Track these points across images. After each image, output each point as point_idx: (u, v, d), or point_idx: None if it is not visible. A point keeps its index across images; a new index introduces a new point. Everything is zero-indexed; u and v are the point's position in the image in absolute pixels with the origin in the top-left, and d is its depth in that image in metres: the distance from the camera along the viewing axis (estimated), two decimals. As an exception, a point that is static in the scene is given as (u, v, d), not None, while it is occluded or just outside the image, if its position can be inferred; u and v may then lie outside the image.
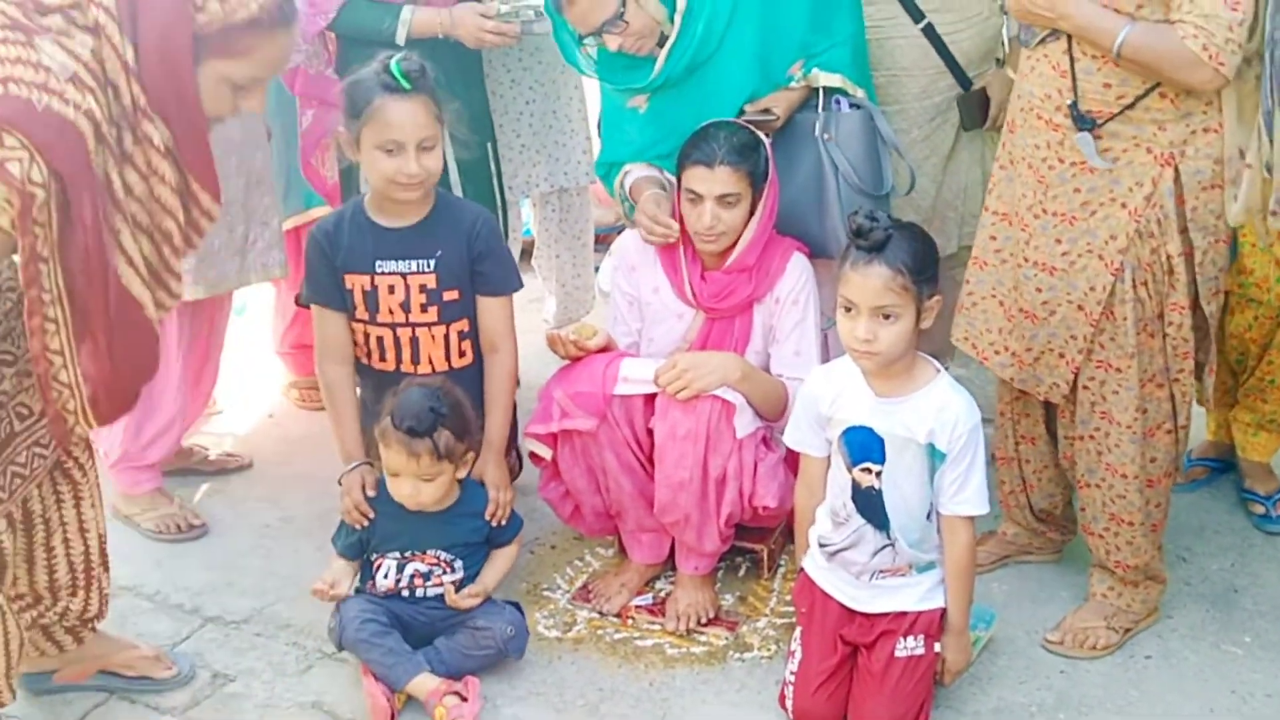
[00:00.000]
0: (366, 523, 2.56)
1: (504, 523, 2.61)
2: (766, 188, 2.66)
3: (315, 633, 2.67)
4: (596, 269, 3.96)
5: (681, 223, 2.69)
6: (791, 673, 2.46)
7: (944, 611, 2.39)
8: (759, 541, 2.86)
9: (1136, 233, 2.42)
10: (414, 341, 2.67)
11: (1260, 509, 3.12)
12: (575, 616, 2.76)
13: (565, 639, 2.69)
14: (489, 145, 3.10)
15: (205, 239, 2.90)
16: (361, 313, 2.66)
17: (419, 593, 2.55)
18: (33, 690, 2.47)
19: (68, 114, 1.83)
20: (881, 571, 2.39)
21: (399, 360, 2.68)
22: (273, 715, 2.50)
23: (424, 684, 2.42)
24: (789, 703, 2.44)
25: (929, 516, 2.37)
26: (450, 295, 2.65)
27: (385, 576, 2.53)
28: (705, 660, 2.63)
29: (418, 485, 2.46)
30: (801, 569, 2.50)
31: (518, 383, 2.92)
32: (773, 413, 2.67)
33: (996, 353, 2.66)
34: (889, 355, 2.24)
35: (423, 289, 2.64)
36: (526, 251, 3.92)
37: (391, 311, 2.65)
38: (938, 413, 2.28)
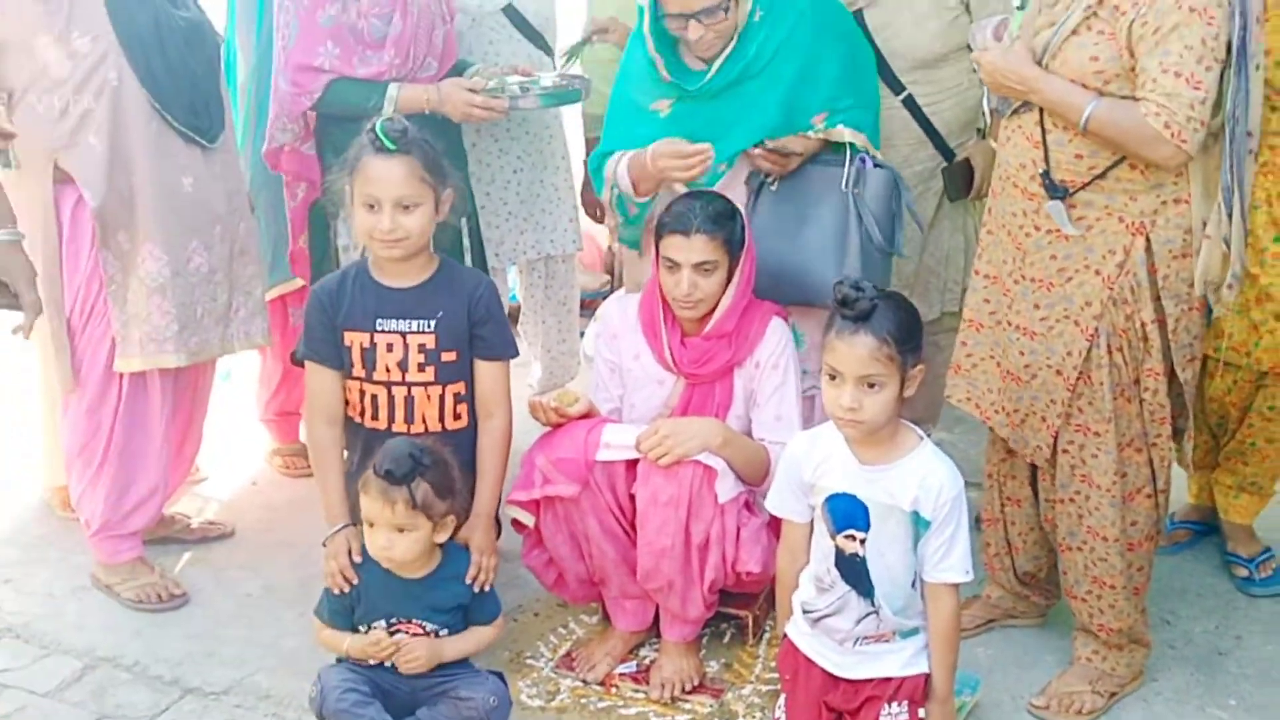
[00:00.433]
0: (349, 588, 2.54)
1: (486, 589, 2.59)
2: (743, 254, 2.69)
3: (296, 703, 2.64)
4: (581, 334, 3.98)
5: (660, 290, 2.72)
6: (776, 740, 2.44)
7: (928, 677, 2.38)
8: (744, 607, 2.85)
9: (1110, 299, 2.46)
10: (409, 401, 2.67)
11: (1243, 571, 3.12)
12: (559, 685, 2.74)
13: (549, 708, 2.66)
14: (463, 220, 3.12)
15: (187, 307, 2.95)
16: (358, 370, 2.67)
17: (402, 662, 2.53)
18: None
19: None
20: (865, 638, 2.38)
21: (392, 419, 2.68)
22: (252, 788, 2.47)
23: (406, 755, 2.39)
24: (774, 771, 2.42)
25: (913, 584, 2.36)
26: (448, 356, 2.66)
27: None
28: (690, 729, 2.61)
29: (391, 537, 2.43)
30: (785, 635, 2.49)
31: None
32: (755, 477, 2.67)
33: (996, 412, 2.68)
34: (873, 424, 2.25)
35: (421, 349, 2.65)
36: (512, 317, 3.93)
37: (389, 370, 2.66)
38: (921, 480, 2.29)
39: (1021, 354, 2.57)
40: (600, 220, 3.90)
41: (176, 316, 2.94)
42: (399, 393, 2.67)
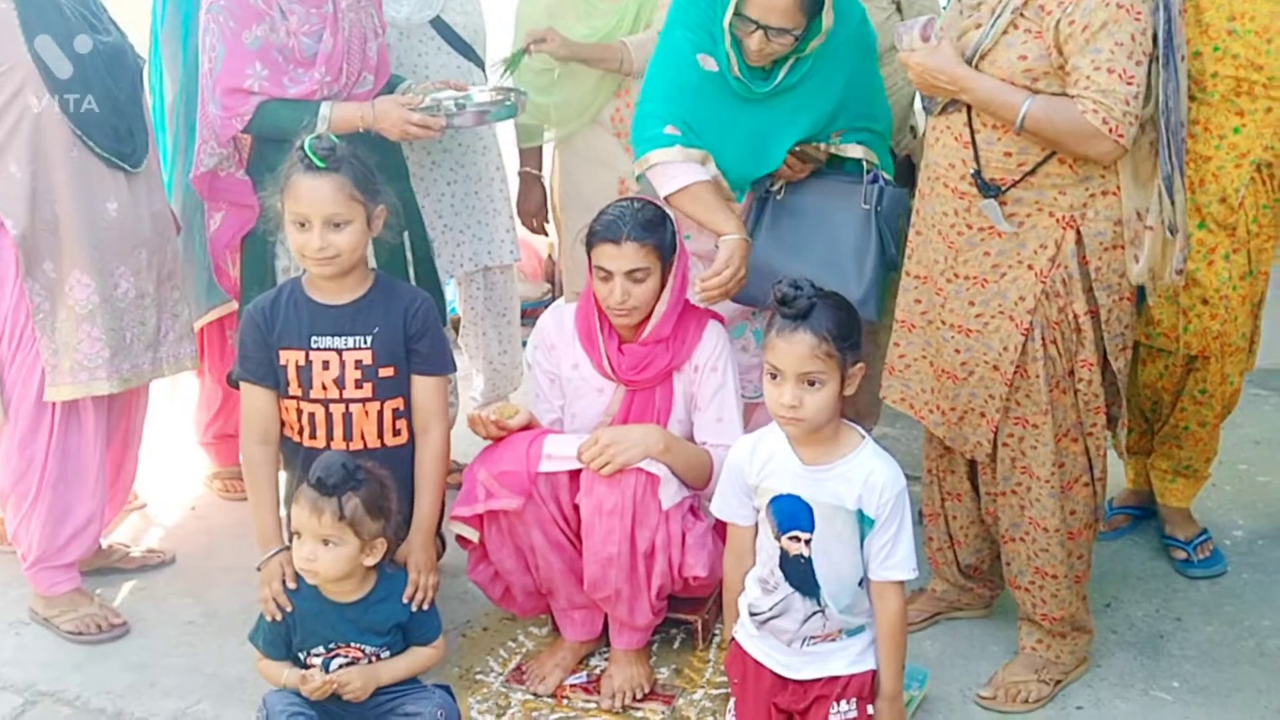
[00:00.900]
0: (281, 616, 2.51)
1: (424, 609, 2.56)
2: (675, 259, 2.69)
3: (242, 731, 2.61)
4: (524, 344, 3.96)
5: (596, 299, 2.71)
6: (728, 744, 2.45)
7: (875, 674, 2.40)
8: (693, 612, 2.85)
9: (1043, 293, 2.48)
10: (347, 418, 2.64)
11: (1182, 554, 3.17)
12: (509, 699, 2.72)
13: (499, 723, 2.66)
14: (405, 235, 3.10)
15: (116, 333, 2.91)
16: (295, 389, 2.64)
17: (345, 685, 2.49)
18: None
19: None
20: (812, 638, 2.39)
21: (330, 437, 2.65)
22: (199, 820, 2.43)
23: (355, 777, 2.37)
24: (727, 774, 2.42)
25: (860, 583, 2.38)
26: (386, 372, 2.64)
27: (317, 673, 2.47)
28: (642, 736, 2.61)
29: (316, 549, 2.39)
30: (733, 638, 2.50)
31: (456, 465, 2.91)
32: (699, 481, 2.67)
33: (931, 412, 2.70)
34: (815, 421, 2.27)
35: (358, 365, 2.62)
36: (454, 329, 3.91)
37: (325, 387, 2.63)
38: (865, 479, 2.30)
39: (957, 351, 2.60)
40: (537, 231, 3.89)
41: (107, 343, 2.91)
42: (336, 410, 2.64)
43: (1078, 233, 2.46)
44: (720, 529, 2.60)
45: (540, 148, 3.66)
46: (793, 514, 2.34)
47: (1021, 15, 2.39)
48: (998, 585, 2.91)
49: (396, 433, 2.68)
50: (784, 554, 2.36)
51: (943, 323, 2.61)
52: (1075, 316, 2.50)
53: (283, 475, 2.74)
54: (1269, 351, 3.22)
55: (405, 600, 2.53)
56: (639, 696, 2.69)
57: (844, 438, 2.35)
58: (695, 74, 2.83)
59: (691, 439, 2.76)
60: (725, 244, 2.72)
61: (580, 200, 3.38)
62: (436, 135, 3.05)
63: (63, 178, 2.83)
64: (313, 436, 2.66)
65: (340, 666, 2.48)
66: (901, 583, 2.36)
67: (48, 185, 2.82)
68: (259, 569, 2.58)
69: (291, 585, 2.52)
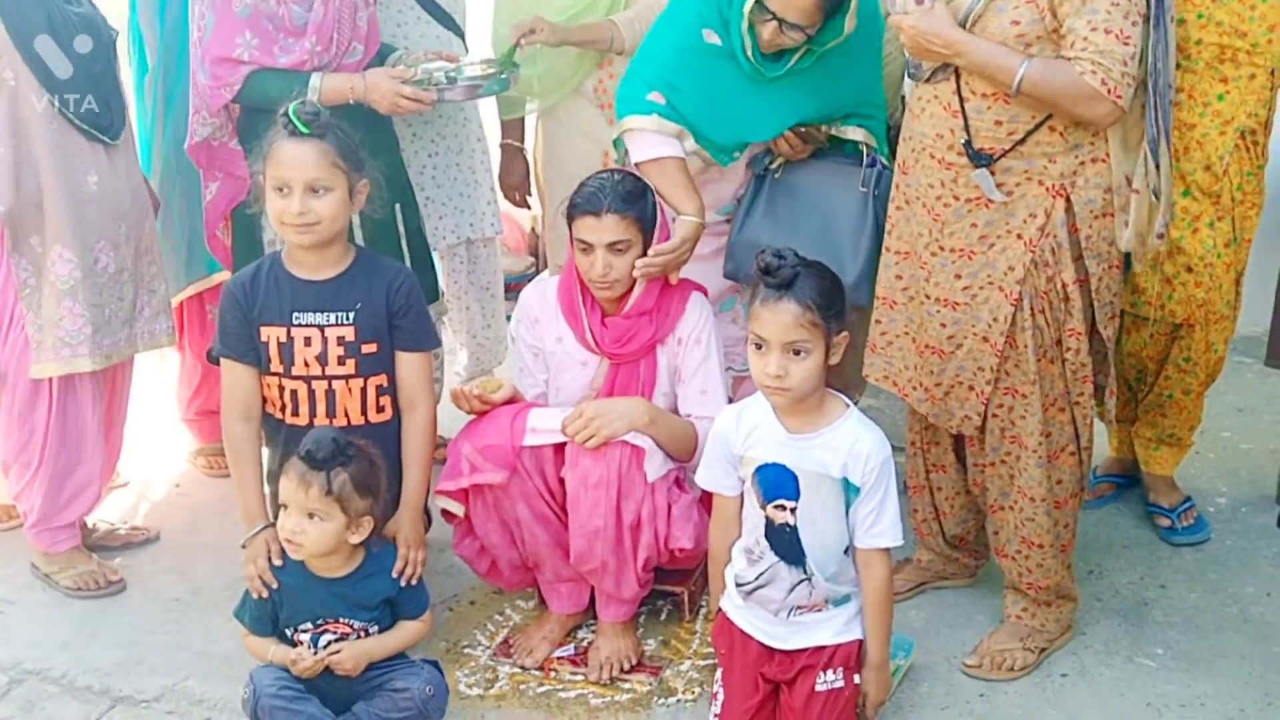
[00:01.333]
0: (267, 593, 2.50)
1: (413, 583, 2.56)
2: (656, 231, 2.68)
3: (229, 707, 2.60)
4: (508, 318, 3.94)
5: (578, 272, 2.70)
6: (715, 715, 2.45)
7: (862, 643, 2.40)
8: (679, 584, 2.85)
9: (1032, 263, 2.48)
10: (330, 395, 2.62)
11: (1166, 522, 3.19)
12: (497, 673, 2.72)
13: (487, 696, 2.65)
14: (397, 205, 3.08)
15: (97, 308, 2.89)
16: (276, 366, 2.62)
17: (334, 658, 2.49)
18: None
19: None
20: (798, 608, 2.39)
21: (313, 414, 2.63)
22: (187, 795, 2.43)
23: (345, 752, 2.37)
24: (714, 745, 2.43)
25: (845, 551, 2.38)
26: (369, 349, 2.62)
27: (307, 651, 2.46)
28: (630, 708, 2.61)
29: (302, 522, 2.39)
30: (720, 609, 2.50)
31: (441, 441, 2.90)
32: (683, 453, 2.67)
33: (914, 389, 2.70)
34: (800, 390, 2.26)
35: (341, 341, 2.60)
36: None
37: (307, 364, 2.61)
38: (850, 447, 2.31)
39: (943, 325, 2.59)
40: (519, 204, 3.87)
41: (89, 319, 2.90)
42: (319, 387, 2.63)
43: (1067, 200, 2.45)
44: (706, 501, 2.60)
45: (522, 119, 3.63)
46: (778, 482, 2.34)
47: None
48: (983, 555, 2.92)
49: (380, 409, 2.67)
50: (769, 523, 2.36)
51: (927, 297, 2.60)
52: (1064, 285, 2.49)
53: (264, 452, 2.72)
54: (1252, 319, 3.23)
55: (394, 575, 2.53)
56: (626, 668, 2.69)
57: (829, 407, 2.35)
58: (696, 44, 2.81)
59: (676, 411, 2.75)
60: (681, 223, 2.71)
61: (563, 172, 3.36)
62: (427, 109, 3.02)
63: (43, 151, 2.81)
64: (295, 414, 2.64)
65: (329, 642, 2.47)
66: (887, 551, 2.37)
67: (30, 159, 2.80)
68: (244, 546, 2.57)
69: (277, 562, 2.51)
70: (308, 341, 2.60)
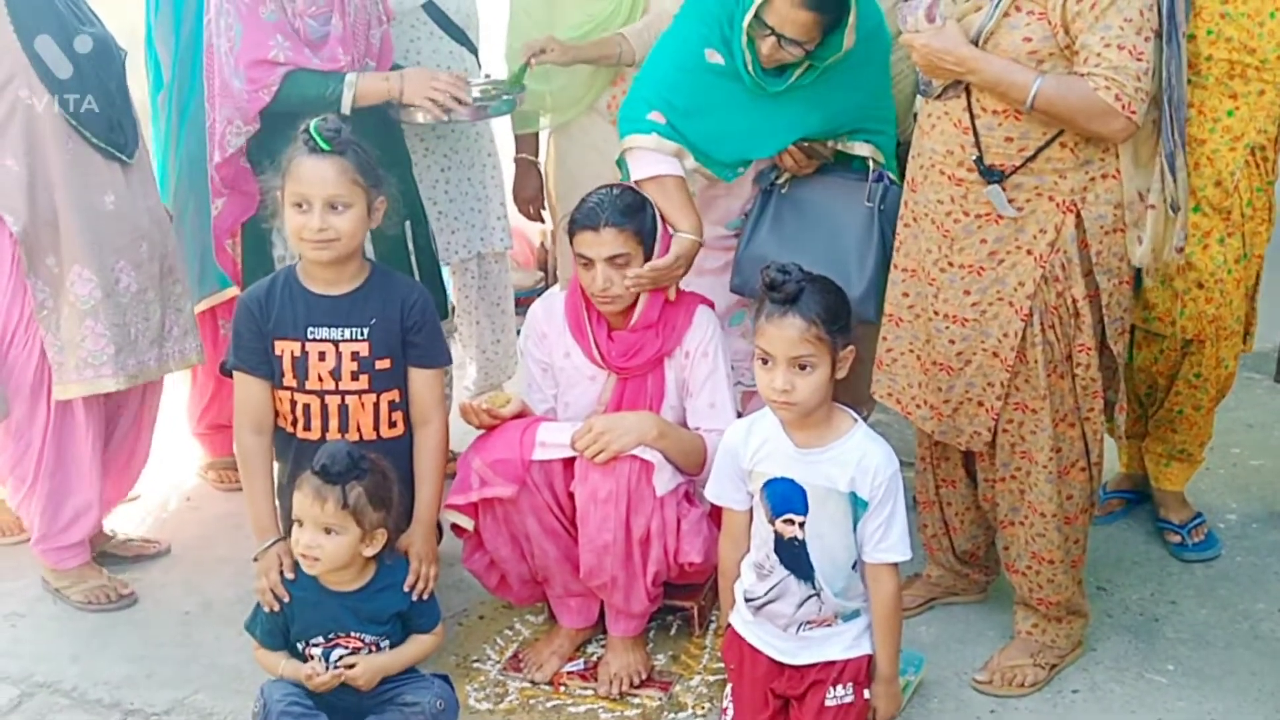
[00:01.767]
0: (279, 607, 2.51)
1: (425, 598, 2.56)
2: (657, 244, 2.69)
3: (239, 721, 2.62)
4: (517, 333, 3.95)
5: (583, 288, 2.71)
6: (725, 730, 2.45)
7: (871, 658, 2.40)
8: (689, 599, 2.85)
9: (1042, 278, 2.48)
10: (343, 410, 2.63)
11: (1176, 538, 3.18)
12: (507, 687, 2.72)
13: (497, 711, 2.65)
14: (407, 223, 3.09)
15: (120, 328, 2.91)
16: (289, 380, 2.63)
17: (345, 673, 2.50)
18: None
19: None
20: (808, 623, 2.39)
21: (325, 429, 2.64)
22: (197, 809, 2.44)
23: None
24: (723, 760, 2.43)
25: (854, 566, 2.38)
26: (383, 364, 2.63)
27: (320, 665, 2.46)
28: (639, 723, 2.61)
29: (318, 537, 2.39)
30: (729, 624, 2.50)
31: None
32: (693, 467, 2.68)
33: (918, 406, 2.70)
34: (807, 405, 2.27)
35: (355, 357, 2.61)
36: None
37: (321, 379, 2.62)
38: (858, 462, 2.31)
39: (952, 342, 2.59)
40: (534, 218, 3.88)
41: (112, 339, 2.91)
42: (332, 402, 2.64)
43: (1078, 216, 2.45)
44: (715, 515, 2.60)
45: (536, 134, 3.65)
46: (786, 497, 2.35)
47: None
48: (993, 570, 2.92)
49: (392, 424, 2.68)
50: (778, 537, 2.36)
51: (935, 314, 2.60)
52: (1074, 301, 2.50)
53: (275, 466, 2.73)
54: (1262, 335, 3.22)
55: (406, 589, 2.53)
56: (636, 683, 2.69)
57: (837, 421, 2.35)
58: (698, 63, 2.82)
59: (684, 425, 2.76)
60: (678, 240, 2.71)
61: (575, 188, 3.36)
62: (455, 107, 2.99)
63: (59, 170, 2.82)
64: (307, 428, 2.65)
65: (340, 656, 2.47)
66: (896, 565, 2.37)
67: (45, 178, 2.81)
68: (255, 559, 2.58)
69: (289, 575, 2.52)
70: (322, 356, 2.61)
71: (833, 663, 2.38)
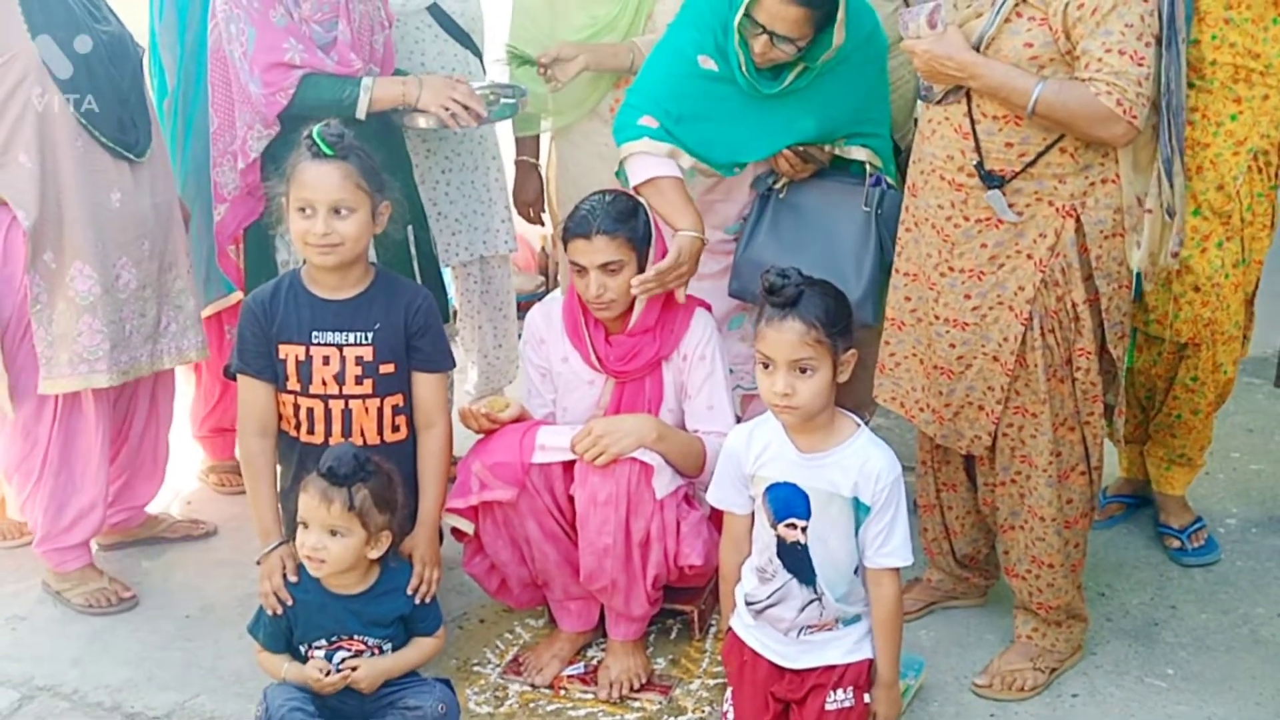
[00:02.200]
0: (282, 610, 2.51)
1: (427, 600, 2.56)
2: (651, 250, 2.69)
3: (240, 725, 2.62)
4: (519, 337, 3.96)
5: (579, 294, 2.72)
6: (725, 734, 2.46)
7: (872, 663, 2.40)
8: (689, 602, 2.85)
9: (1042, 283, 2.48)
10: (346, 414, 2.64)
11: (1176, 542, 3.18)
12: (507, 691, 2.73)
13: (497, 714, 2.65)
14: (409, 228, 3.09)
15: (117, 324, 2.91)
16: (293, 384, 2.64)
17: (346, 677, 2.50)
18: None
19: None
20: (809, 627, 2.40)
21: (329, 433, 2.64)
22: (198, 812, 2.44)
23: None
24: (724, 764, 2.43)
25: (855, 571, 2.38)
26: (387, 368, 2.63)
27: (322, 672, 2.47)
28: (639, 727, 2.62)
29: (323, 539, 2.39)
30: (730, 628, 2.50)
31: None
32: (692, 469, 2.68)
33: (921, 410, 2.70)
34: (808, 409, 2.27)
35: (359, 361, 2.62)
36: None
37: (325, 383, 2.62)
38: (860, 466, 2.31)
39: (952, 346, 2.59)
40: (534, 221, 3.89)
41: (108, 335, 2.91)
42: (336, 406, 2.64)
43: (1078, 221, 2.46)
44: (715, 518, 2.61)
45: (537, 136, 3.64)
46: (789, 501, 2.35)
47: (1024, 2, 2.38)
48: (993, 574, 2.92)
49: (395, 429, 2.68)
50: (781, 541, 2.37)
51: (936, 318, 2.61)
52: (1074, 305, 2.50)
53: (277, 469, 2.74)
54: (1261, 340, 3.23)
55: (410, 593, 2.54)
56: (636, 687, 2.70)
57: (839, 425, 2.35)
58: (691, 70, 2.82)
59: (683, 427, 2.76)
60: (679, 239, 2.72)
61: (576, 192, 3.35)
62: (472, 122, 3.01)
63: (69, 167, 2.82)
64: (310, 432, 2.66)
65: (343, 659, 2.48)
66: (897, 570, 2.37)
67: (55, 175, 2.82)
68: (259, 563, 2.58)
69: (293, 578, 2.52)
70: (326, 360, 2.62)
71: (833, 667, 2.38)
